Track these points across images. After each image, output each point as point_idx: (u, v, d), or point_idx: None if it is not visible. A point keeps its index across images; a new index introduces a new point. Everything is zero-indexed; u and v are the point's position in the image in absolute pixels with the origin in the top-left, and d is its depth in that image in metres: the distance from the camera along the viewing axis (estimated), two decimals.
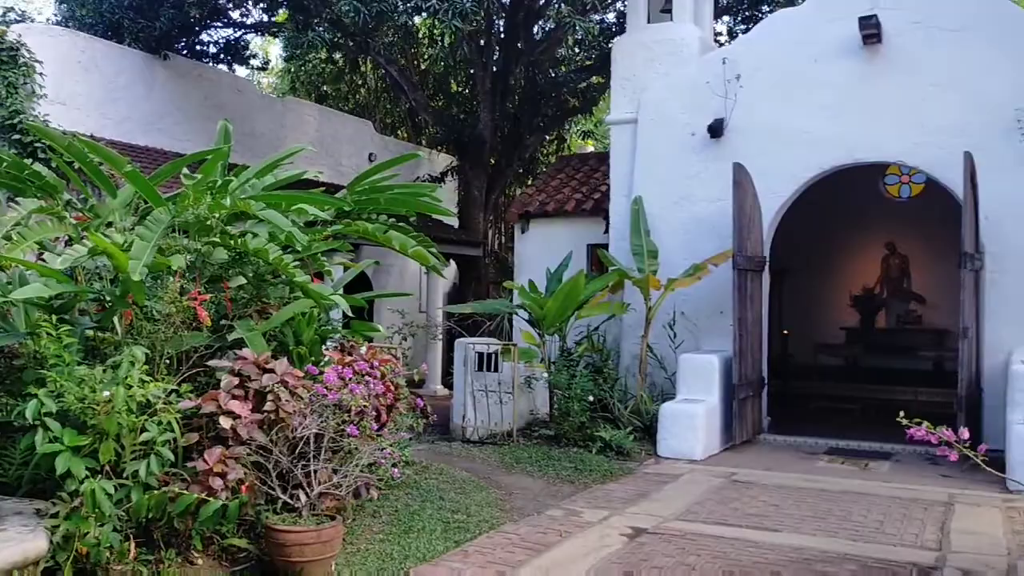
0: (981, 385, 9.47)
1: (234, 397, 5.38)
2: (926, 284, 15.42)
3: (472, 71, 19.03)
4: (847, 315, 15.59)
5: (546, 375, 9.79)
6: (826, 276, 15.96)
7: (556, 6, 18.15)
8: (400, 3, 12.55)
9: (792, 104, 10.54)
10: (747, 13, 18.11)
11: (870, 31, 9.93)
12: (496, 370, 9.94)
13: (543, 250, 12.98)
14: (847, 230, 15.79)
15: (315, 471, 5.57)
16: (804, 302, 15.72)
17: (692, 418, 9.26)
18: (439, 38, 18.61)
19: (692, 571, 5.49)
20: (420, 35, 21.00)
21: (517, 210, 13.63)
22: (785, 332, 14.99)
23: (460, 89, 22.21)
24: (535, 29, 19.16)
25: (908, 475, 8.53)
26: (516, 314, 11.36)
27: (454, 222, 18.79)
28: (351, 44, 17.27)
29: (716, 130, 10.77)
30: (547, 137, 21.23)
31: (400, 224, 7.43)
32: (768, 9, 16.90)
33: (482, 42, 18.07)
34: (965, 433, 4.37)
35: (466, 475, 8.13)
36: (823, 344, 13.43)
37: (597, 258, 11.93)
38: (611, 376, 10.53)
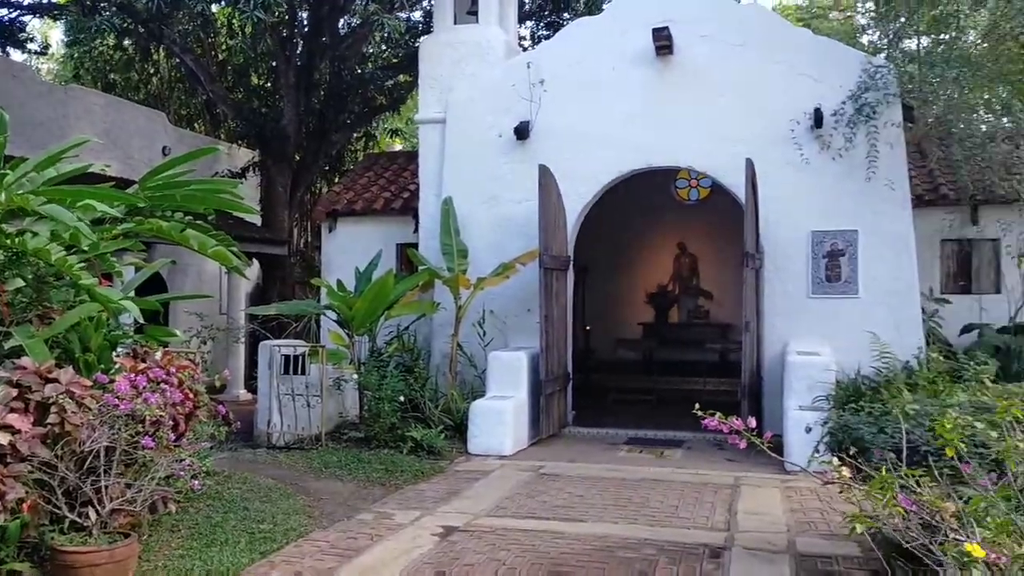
0: (762, 374, 10.27)
1: (12, 410, 4.92)
2: (713, 281, 16.55)
3: (275, 64, 18.41)
4: (644, 311, 16.45)
5: (356, 376, 9.64)
6: (625, 274, 16.76)
7: (362, 2, 17.95)
8: None
9: (593, 109, 10.97)
10: (549, 19, 18.68)
11: (662, 42, 10.51)
12: (303, 373, 9.68)
13: (352, 249, 12.80)
14: (643, 230, 16.66)
15: (106, 487, 5.19)
16: (605, 299, 16.44)
17: (501, 414, 9.43)
18: (240, 29, 17.87)
19: (502, 566, 5.59)
20: (219, 24, 20.09)
21: (324, 208, 13.34)
22: (587, 328, 15.60)
23: (262, 82, 21.45)
24: (341, 24, 18.83)
25: (699, 461, 9.11)
26: (324, 315, 11.12)
27: (257, 220, 18.13)
28: (142, 31, 16.25)
29: (522, 132, 11.03)
30: (355, 134, 20.91)
31: (198, 222, 7.06)
32: (569, 16, 17.51)
33: (285, 34, 17.55)
34: (752, 422, 4.71)
35: (272, 483, 7.86)
36: (622, 339, 14.10)
37: (407, 258, 11.90)
38: (422, 375, 10.53)
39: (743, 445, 5.12)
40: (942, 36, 11.70)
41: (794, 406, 9.03)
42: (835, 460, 6.95)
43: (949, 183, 11.51)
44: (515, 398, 9.81)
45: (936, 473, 4.74)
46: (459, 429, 9.80)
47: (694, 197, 16.77)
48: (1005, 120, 10.13)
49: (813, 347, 10.02)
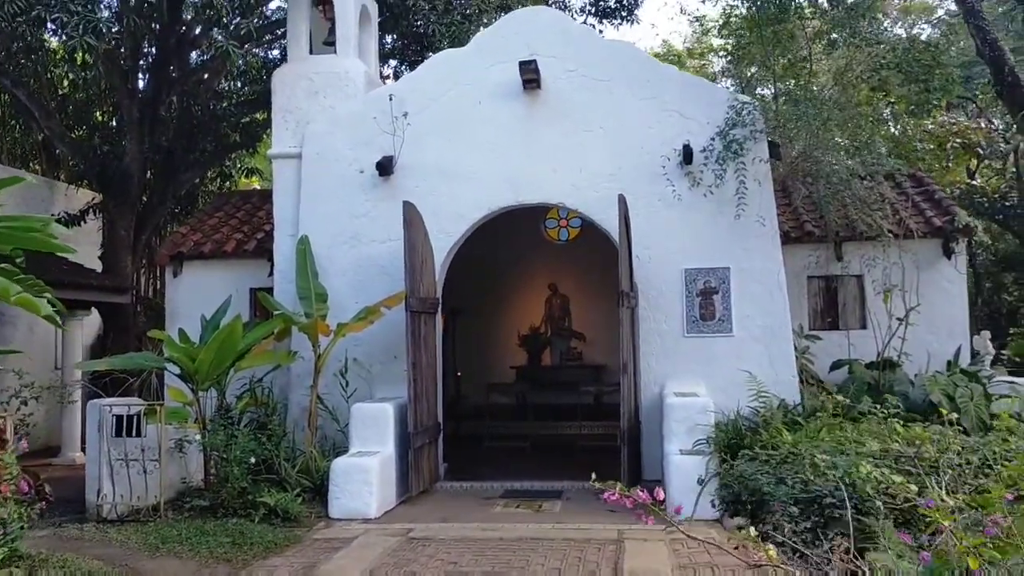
0: (639, 417, 9.89)
1: None
2: (586, 322, 16.26)
3: (117, 99, 17.10)
4: (516, 354, 15.95)
5: (199, 437, 8.63)
6: (496, 316, 16.26)
7: (214, 35, 16.96)
8: (19, 13, 10.77)
9: (460, 144, 10.48)
10: (413, 59, 18.19)
11: (530, 76, 10.15)
12: (139, 434, 8.58)
13: (199, 296, 11.73)
14: (514, 271, 16.26)
15: None
16: (476, 342, 15.86)
17: (365, 473, 8.63)
18: (72, 57, 16.50)
19: None
20: (59, 56, 18.57)
21: (168, 251, 12.23)
22: (459, 373, 14.97)
23: (105, 119, 19.95)
24: (192, 57, 17.76)
25: (579, 513, 8.57)
26: (166, 369, 10.02)
27: (98, 266, 16.66)
28: None
29: (385, 168, 10.39)
30: (209, 174, 19.69)
31: (2, 266, 6.04)
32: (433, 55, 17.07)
33: (127, 66, 16.34)
34: (660, 494, 4.21)
35: (97, 565, 6.78)
36: (494, 384, 13.54)
37: (261, 304, 10.95)
38: (277, 432, 9.59)
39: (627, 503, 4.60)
40: (796, 81, 11.93)
41: (674, 450, 8.66)
42: (735, 519, 6.59)
43: (813, 220, 11.61)
44: (381, 453, 9.03)
45: (844, 527, 4.33)
46: (320, 491, 8.92)
47: (564, 237, 16.50)
48: (859, 159, 10.26)
49: (690, 387, 9.75)
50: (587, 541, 7.43)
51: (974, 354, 11.25)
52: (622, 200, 9.25)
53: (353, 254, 10.55)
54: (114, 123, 19.43)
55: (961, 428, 8.89)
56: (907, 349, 10.44)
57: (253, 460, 8.39)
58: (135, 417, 8.58)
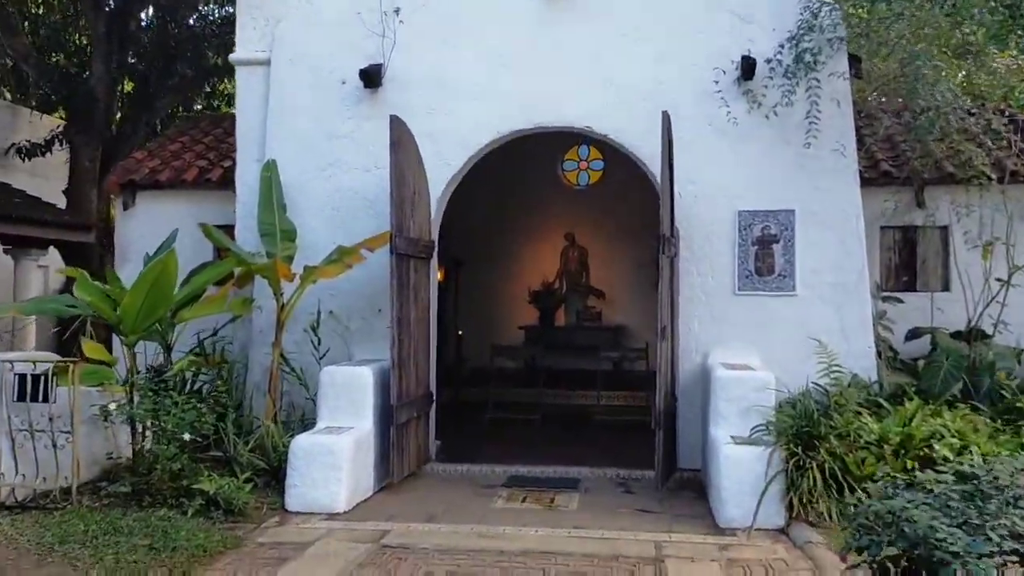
0: (676, 393, 8.04)
1: None
2: (605, 278, 14.39)
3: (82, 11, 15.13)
4: (526, 312, 14.10)
5: (113, 405, 6.81)
6: (504, 269, 14.41)
7: None
8: None
9: (464, 51, 8.52)
10: None
11: None
12: (48, 400, 6.76)
13: (154, 232, 9.77)
14: (527, 219, 14.37)
15: None
16: (480, 298, 14.05)
17: (333, 455, 6.82)
18: None
19: None
20: None
21: (118, 179, 10.34)
22: (460, 333, 13.15)
23: (76, 38, 17.93)
24: None
25: (602, 511, 6.77)
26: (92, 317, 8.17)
27: (61, 201, 14.84)
28: None
29: (372, 78, 8.44)
30: (191, 101, 17.70)
31: None
32: None
33: None
34: None
35: None
36: (500, 346, 11.71)
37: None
38: (230, 400, 7.81)
39: None
40: None
41: (724, 437, 6.82)
42: (807, 530, 4.76)
43: (890, 159, 9.61)
44: (355, 430, 7.22)
45: None
46: (278, 474, 7.13)
47: (584, 181, 14.56)
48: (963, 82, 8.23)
49: (741, 357, 7.91)
50: (615, 558, 5.61)
51: None
52: (666, 117, 7.29)
53: (331, 184, 8.64)
54: (86, 43, 17.47)
55: None
56: (1003, 317, 8.49)
57: (187, 436, 6.57)
58: (43, 377, 6.76)
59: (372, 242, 7.86)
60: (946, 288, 9.37)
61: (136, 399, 6.90)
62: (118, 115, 16.38)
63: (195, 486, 6.47)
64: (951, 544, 3.18)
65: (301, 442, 6.89)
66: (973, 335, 8.52)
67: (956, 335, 8.75)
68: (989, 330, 8.51)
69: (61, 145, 15.93)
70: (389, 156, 7.43)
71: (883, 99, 9.06)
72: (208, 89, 17.51)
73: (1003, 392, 7.39)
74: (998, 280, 8.30)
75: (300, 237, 8.40)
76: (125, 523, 6.13)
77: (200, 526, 6.17)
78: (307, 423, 7.85)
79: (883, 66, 8.60)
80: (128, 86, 17.01)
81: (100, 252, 15.10)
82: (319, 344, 8.19)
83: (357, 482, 7.03)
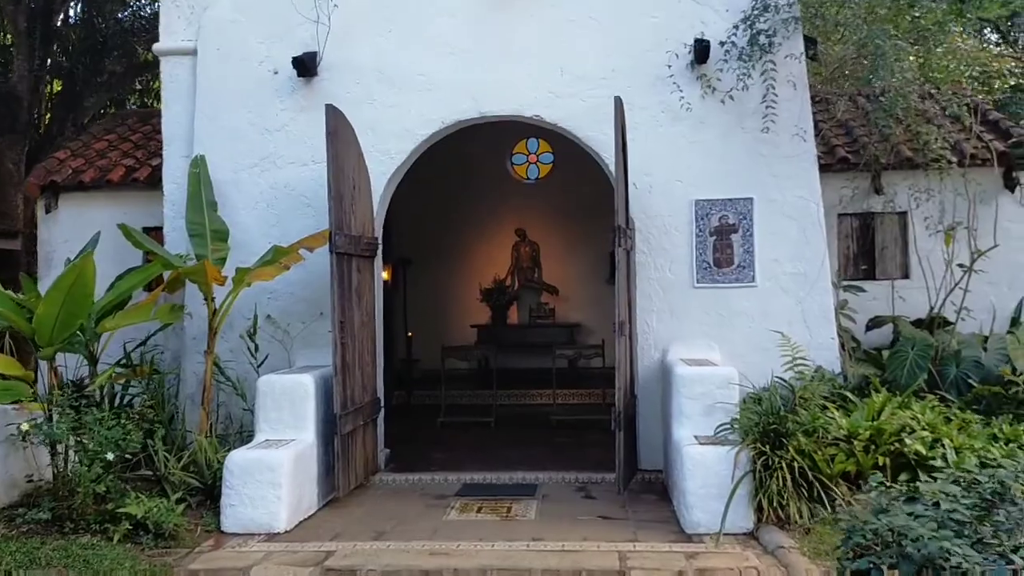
0: (635, 391, 7.71)
1: None
2: (558, 274, 14.09)
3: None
4: (478, 311, 13.72)
5: (24, 426, 6.23)
6: (454, 267, 14.03)
7: None
8: None
9: (406, 38, 8.07)
10: None
11: None
12: None
13: (79, 236, 9.14)
14: (476, 215, 13.99)
15: None
16: (430, 298, 13.62)
17: (271, 471, 6.32)
18: None
19: None
20: None
21: (37, 180, 9.67)
22: (409, 334, 12.70)
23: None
24: None
25: (562, 521, 6.37)
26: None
27: None
28: None
29: (306, 67, 7.94)
30: (122, 99, 16.92)
31: None
32: None
33: None
34: None
35: None
36: (450, 347, 11.27)
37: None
38: (162, 413, 7.27)
39: None
40: None
41: (687, 437, 6.49)
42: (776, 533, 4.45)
43: (846, 144, 9.38)
44: (296, 442, 6.74)
45: None
46: (213, 493, 6.62)
47: (533, 175, 14.26)
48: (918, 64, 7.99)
49: (702, 352, 7.62)
50: (577, 573, 5.22)
51: None
52: (618, 102, 6.92)
53: (266, 180, 8.13)
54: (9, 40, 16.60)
55: None
56: (965, 303, 8.29)
57: (111, 456, 6.02)
58: None
59: (311, 241, 7.38)
60: (906, 275, 9.19)
61: (55, 417, 6.33)
62: (46, 115, 15.58)
63: (121, 510, 5.93)
64: (966, 568, 2.81)
65: (236, 458, 6.38)
66: (935, 323, 8.33)
67: (918, 323, 8.56)
68: (951, 317, 8.32)
69: None
70: (327, 147, 6.95)
71: (835, 83, 8.79)
72: (139, 86, 16.77)
73: (970, 381, 7.17)
74: (960, 266, 8.10)
75: (233, 237, 7.88)
76: (43, 553, 5.59)
77: (127, 553, 5.65)
78: (246, 436, 7.35)
79: (837, 49, 8.34)
80: (56, 85, 16.22)
81: (27, 259, 14.32)
82: (257, 351, 7.68)
83: (299, 499, 6.55)
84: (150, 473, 6.81)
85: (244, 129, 8.16)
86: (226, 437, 7.47)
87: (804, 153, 7.67)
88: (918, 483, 3.34)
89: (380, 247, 8.18)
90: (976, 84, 12.74)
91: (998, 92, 13.41)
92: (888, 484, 3.40)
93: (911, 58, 7.15)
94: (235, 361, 7.85)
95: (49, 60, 14.94)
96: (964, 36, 10.60)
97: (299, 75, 7.99)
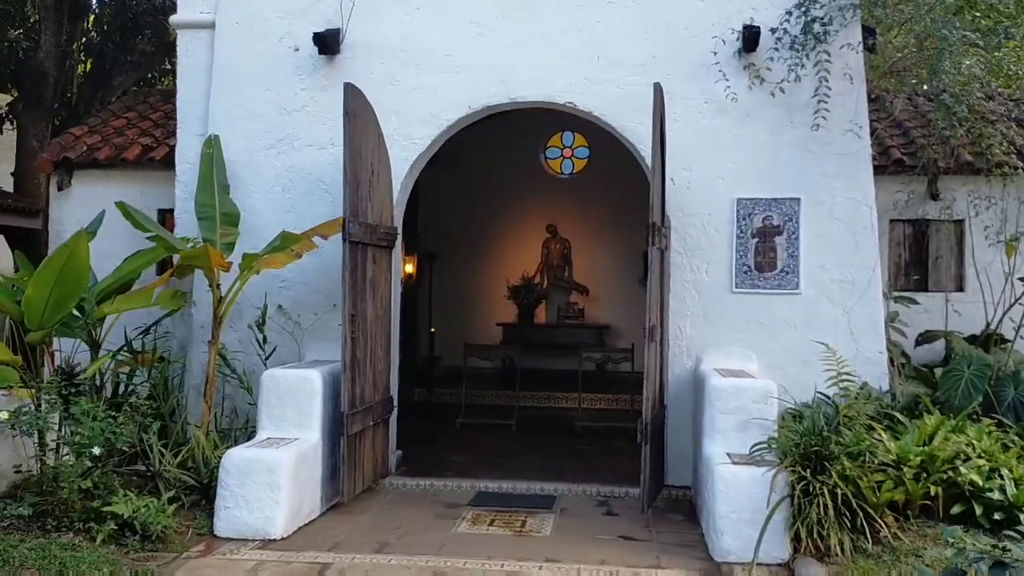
0: (664, 400, 7.19)
1: None
2: (589, 273, 13.57)
3: None
4: (504, 309, 13.24)
5: (5, 415, 5.87)
6: (482, 263, 13.55)
7: None
8: None
9: (433, 16, 7.62)
10: None
11: None
12: None
13: (92, 215, 8.80)
14: (507, 209, 13.49)
15: None
16: (456, 294, 13.17)
17: (271, 472, 5.91)
18: None
19: None
20: None
21: (51, 156, 9.36)
22: (432, 330, 12.27)
23: (28, 10, 16.85)
24: None
25: (579, 540, 5.90)
26: None
27: (9, 183, 13.84)
28: None
29: (328, 44, 7.52)
30: (153, 78, 16.67)
31: None
32: None
33: None
34: None
35: None
36: (474, 345, 10.81)
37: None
38: (163, 405, 6.90)
39: None
40: None
41: (719, 455, 5.97)
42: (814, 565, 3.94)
43: (901, 146, 8.77)
44: (300, 442, 6.32)
45: None
46: (209, 493, 6.22)
47: (568, 170, 13.72)
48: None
49: (738, 362, 7.10)
50: None
51: None
52: (658, 89, 6.41)
53: (282, 163, 7.73)
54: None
55: None
56: (1017, 319, 7.66)
57: (97, 450, 5.64)
58: None
59: (326, 228, 6.96)
60: (960, 288, 8.56)
61: (44, 406, 5.97)
62: (74, 94, 15.37)
63: (107, 508, 5.55)
64: None
65: (233, 456, 5.97)
66: (991, 340, 7.71)
67: (971, 339, 7.95)
68: (1008, 334, 7.70)
69: (11, 124, 14.96)
70: (344, 128, 6.51)
71: (892, 79, 8.18)
72: (170, 66, 16.48)
73: None
74: (1021, 279, 7.47)
75: (245, 222, 7.49)
76: (19, 552, 5.23)
77: (108, 556, 5.28)
78: (251, 432, 6.97)
79: (896, 41, 7.74)
80: (88, 64, 16.01)
81: (47, 239, 14.11)
82: (265, 343, 7.28)
83: (299, 503, 6.13)
84: (145, 469, 6.42)
85: (261, 108, 7.76)
86: (230, 433, 7.09)
87: (858, 152, 7.09)
88: (1005, 542, 2.78)
89: (399, 237, 7.73)
90: None
91: None
92: (965, 540, 2.87)
93: (977, 56, 6.54)
94: (243, 352, 7.46)
95: (81, 38, 14.71)
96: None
97: (320, 52, 7.57)
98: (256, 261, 6.66)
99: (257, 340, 7.32)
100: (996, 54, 6.67)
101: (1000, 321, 7.64)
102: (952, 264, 8.68)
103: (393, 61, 7.61)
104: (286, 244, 6.65)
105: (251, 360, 7.40)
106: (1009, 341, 7.69)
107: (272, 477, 5.90)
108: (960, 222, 8.50)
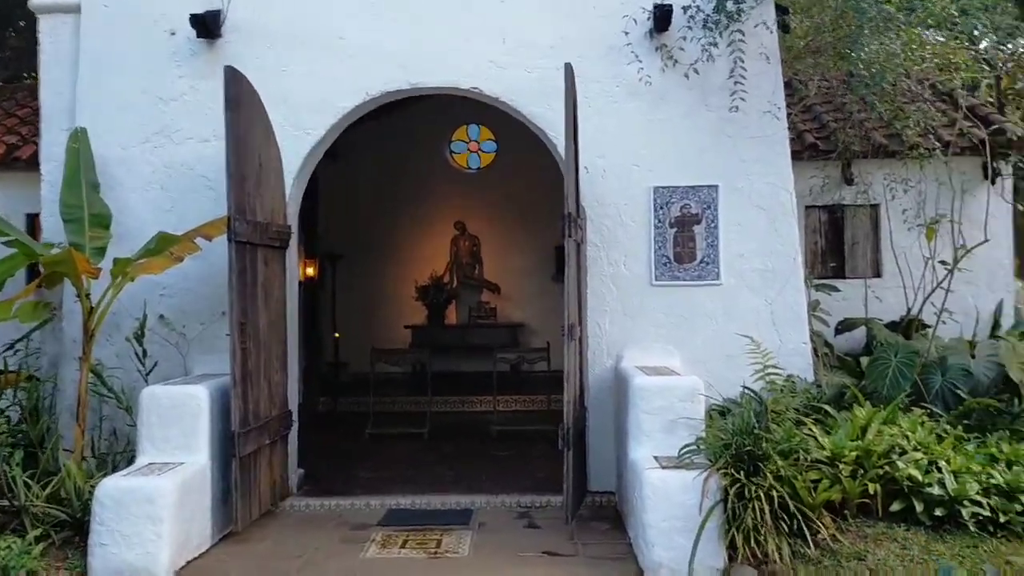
0: (585, 402, 6.79)
1: None
2: (500, 270, 13.13)
3: None
4: (413, 310, 12.68)
5: None
6: (388, 263, 12.97)
7: None
8: None
9: None
10: None
11: None
12: None
13: None
14: (413, 207, 12.96)
15: None
16: (361, 296, 12.54)
17: (152, 502, 5.24)
18: None
19: None
20: None
21: None
22: (336, 335, 11.62)
23: None
24: None
25: (500, 559, 5.43)
26: None
27: None
28: None
29: (208, 27, 6.84)
30: (29, 74, 15.46)
31: None
32: None
33: None
34: None
35: None
36: (381, 349, 10.21)
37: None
38: (32, 429, 6.13)
39: None
40: None
41: (647, 459, 5.58)
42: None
43: (814, 130, 8.60)
44: (185, 466, 5.66)
45: None
46: (83, 528, 5.50)
47: (474, 164, 13.27)
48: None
49: (660, 359, 6.74)
50: None
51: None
52: (569, 70, 5.98)
53: (160, 158, 7.01)
54: None
55: None
56: (938, 303, 7.55)
57: None
58: None
59: (209, 228, 6.30)
60: (878, 274, 8.44)
61: None
62: None
63: None
64: None
65: (108, 487, 5.27)
66: (912, 326, 7.58)
67: (892, 326, 7.82)
68: (928, 320, 7.59)
69: None
70: (226, 118, 5.87)
71: (806, 62, 7.98)
72: None
73: (958, 393, 6.39)
74: (942, 263, 7.35)
75: (121, 224, 6.76)
76: None
77: None
78: (133, 456, 6.23)
79: (810, 22, 7.53)
80: None
81: None
82: (145, 357, 6.57)
83: (187, 534, 5.47)
84: (8, 503, 5.65)
85: (135, 98, 7.02)
86: (108, 457, 6.35)
87: (776, 135, 6.83)
88: None
89: (295, 237, 7.11)
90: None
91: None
92: None
93: (897, 30, 6.33)
94: (122, 368, 6.73)
95: None
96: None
97: (199, 36, 6.89)
98: (130, 266, 5.95)
99: (137, 354, 6.60)
100: (915, 31, 6.52)
101: (922, 306, 7.50)
102: (869, 250, 8.56)
103: (281, 45, 6.98)
104: (163, 247, 5.96)
105: (131, 377, 6.68)
106: (929, 327, 7.56)
107: (153, 508, 5.23)
108: (876, 206, 8.38)
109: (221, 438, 5.95)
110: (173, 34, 7.01)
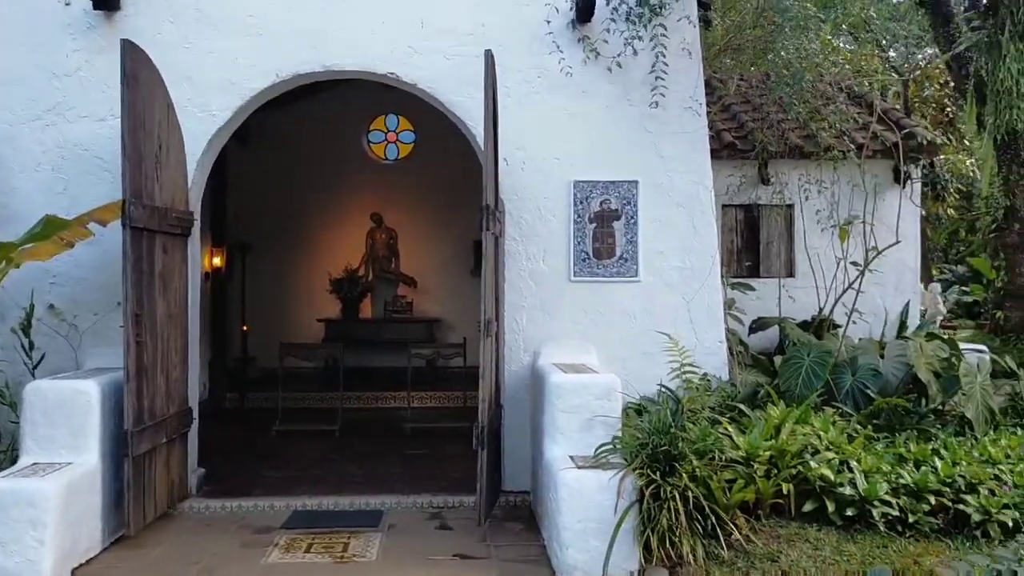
0: (501, 401, 6.63)
1: None
2: (417, 264, 12.88)
3: None
4: (326, 304, 12.34)
5: None
6: (300, 254, 12.60)
7: None
8: None
9: None
10: None
11: None
12: None
13: None
14: (327, 197, 12.60)
15: None
16: (272, 288, 12.15)
17: (34, 506, 4.86)
18: None
19: None
20: None
21: None
22: (245, 328, 11.21)
23: None
24: None
25: (410, 563, 5.23)
26: None
27: None
28: None
29: None
30: None
31: None
32: None
33: None
34: None
35: None
36: (291, 343, 9.85)
37: None
38: None
39: None
40: None
41: (562, 459, 5.46)
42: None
43: (733, 130, 8.63)
44: (73, 466, 5.29)
45: None
46: None
47: (392, 155, 13.00)
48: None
49: (576, 355, 6.61)
50: None
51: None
52: (489, 57, 5.80)
53: (52, 137, 6.54)
54: None
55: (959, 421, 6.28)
56: (848, 304, 7.65)
57: None
58: None
59: (103, 212, 5.90)
60: (791, 274, 8.53)
61: None
62: None
63: None
64: None
65: None
66: (824, 325, 7.67)
67: (804, 325, 7.90)
68: (839, 320, 7.69)
69: None
70: (122, 95, 5.49)
71: (726, 61, 8.01)
72: None
73: (868, 392, 6.47)
74: (854, 264, 7.45)
75: (5, 206, 6.30)
76: None
77: None
78: (16, 457, 5.80)
79: (730, 20, 7.54)
80: None
81: None
82: (32, 349, 6.13)
83: (74, 540, 5.10)
84: None
85: (24, 71, 6.54)
86: None
87: (696, 131, 6.79)
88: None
89: (197, 224, 6.75)
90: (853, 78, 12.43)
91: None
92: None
93: (816, 30, 6.38)
94: (6, 361, 6.28)
95: None
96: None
97: (96, 8, 6.45)
98: (14, 252, 5.52)
99: (23, 346, 6.16)
100: (828, 38, 6.58)
101: (834, 306, 7.59)
102: (783, 249, 8.64)
103: (185, 20, 6.61)
104: (51, 231, 5.55)
105: (17, 370, 6.23)
106: (840, 326, 7.66)
107: (35, 512, 4.85)
108: (791, 207, 8.46)
109: (114, 436, 5.59)
110: (68, 4, 6.55)
